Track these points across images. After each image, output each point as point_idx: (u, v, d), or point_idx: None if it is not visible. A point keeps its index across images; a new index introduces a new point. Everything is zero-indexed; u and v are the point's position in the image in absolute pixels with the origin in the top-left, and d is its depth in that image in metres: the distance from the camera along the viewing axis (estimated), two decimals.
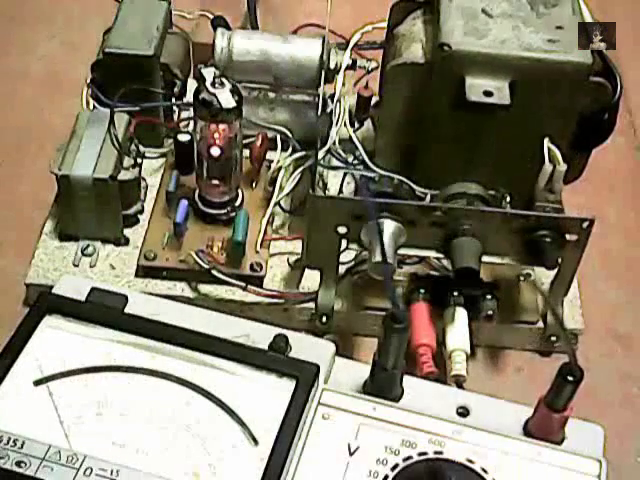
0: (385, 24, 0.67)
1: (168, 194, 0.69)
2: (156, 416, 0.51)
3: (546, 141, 0.59)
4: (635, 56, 0.87)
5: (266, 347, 0.55)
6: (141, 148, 0.69)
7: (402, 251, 0.59)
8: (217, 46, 0.71)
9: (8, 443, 0.49)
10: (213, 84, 0.62)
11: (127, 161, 0.67)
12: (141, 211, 0.69)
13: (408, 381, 0.54)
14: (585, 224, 0.57)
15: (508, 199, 0.61)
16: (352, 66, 0.70)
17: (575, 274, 0.61)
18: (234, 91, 0.62)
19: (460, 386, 0.58)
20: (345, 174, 0.69)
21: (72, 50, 0.87)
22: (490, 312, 0.60)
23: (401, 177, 0.62)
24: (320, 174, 0.70)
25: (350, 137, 0.67)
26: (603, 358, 0.65)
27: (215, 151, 0.64)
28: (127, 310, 0.56)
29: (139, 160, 0.68)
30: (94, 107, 0.71)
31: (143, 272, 0.66)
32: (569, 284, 0.62)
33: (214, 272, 0.64)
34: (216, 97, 0.61)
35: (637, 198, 0.78)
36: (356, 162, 0.68)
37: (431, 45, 0.59)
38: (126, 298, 0.57)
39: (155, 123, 0.72)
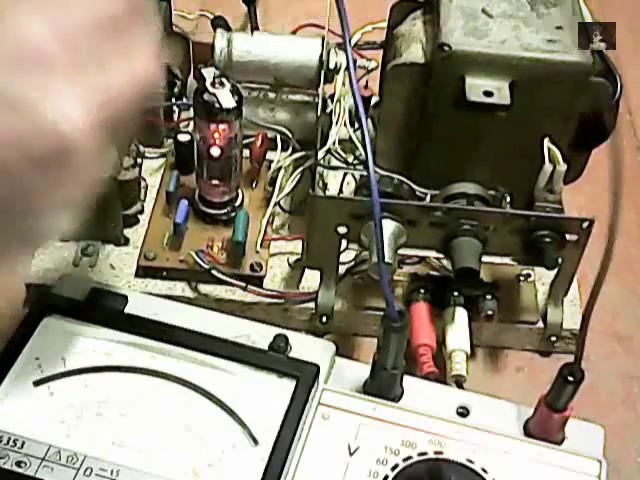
0: (385, 24, 0.67)
1: (168, 194, 0.69)
2: (156, 416, 0.51)
3: (546, 141, 0.59)
4: (635, 56, 0.87)
5: (266, 347, 0.55)
6: (141, 148, 0.69)
7: (402, 251, 0.59)
8: (217, 47, 0.71)
9: (8, 443, 0.49)
10: (213, 84, 0.62)
11: (127, 161, 0.67)
12: (141, 211, 0.69)
13: (408, 381, 0.54)
14: (585, 224, 0.57)
15: (508, 199, 0.61)
16: None
17: (575, 274, 0.61)
18: (234, 91, 0.62)
19: (460, 386, 0.58)
20: (345, 174, 0.69)
21: None
22: (490, 312, 0.60)
23: (401, 177, 0.62)
24: (320, 174, 0.70)
25: (350, 137, 0.67)
26: (603, 358, 0.65)
27: (215, 151, 0.64)
28: (127, 310, 0.56)
29: (139, 160, 0.68)
30: None
31: (143, 272, 0.66)
32: (569, 284, 0.62)
33: (214, 272, 0.64)
34: (216, 97, 0.61)
35: (637, 198, 0.77)
36: (356, 162, 0.68)
37: (431, 45, 0.59)
38: (126, 298, 0.57)
39: (155, 123, 0.72)
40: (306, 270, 0.65)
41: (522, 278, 0.66)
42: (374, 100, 0.71)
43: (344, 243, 0.60)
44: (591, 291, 0.52)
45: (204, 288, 0.65)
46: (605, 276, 0.51)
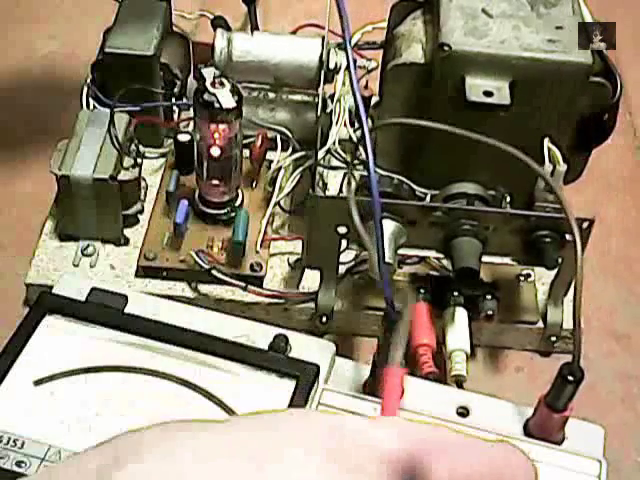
0: (385, 24, 0.67)
1: (168, 194, 0.69)
2: (156, 416, 0.51)
3: (546, 141, 0.59)
4: (635, 56, 0.87)
5: (266, 347, 0.55)
6: (141, 148, 0.69)
7: (402, 251, 0.59)
8: (217, 47, 0.71)
9: (8, 443, 0.49)
10: (213, 84, 0.62)
11: (127, 161, 0.67)
12: (141, 211, 0.69)
13: (408, 381, 0.54)
14: (585, 224, 0.57)
15: (508, 199, 0.61)
16: None
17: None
18: (234, 91, 0.62)
19: (460, 386, 0.58)
20: (345, 174, 0.69)
21: (72, 50, 0.87)
22: (490, 312, 0.60)
23: (401, 177, 0.62)
24: (320, 174, 0.70)
25: (350, 137, 0.67)
26: (603, 358, 0.65)
27: (215, 151, 0.64)
28: (127, 310, 0.56)
29: (139, 160, 0.68)
30: (94, 107, 0.71)
31: (143, 272, 0.66)
32: (569, 284, 0.62)
33: (214, 272, 0.64)
34: (216, 97, 0.61)
35: (637, 198, 0.77)
36: (356, 162, 0.68)
37: (431, 45, 0.59)
38: (126, 298, 0.57)
39: (155, 123, 0.72)
40: (306, 270, 0.65)
41: (522, 278, 0.66)
42: (374, 100, 0.71)
43: (344, 243, 0.60)
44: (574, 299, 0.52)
45: (204, 288, 0.65)
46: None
